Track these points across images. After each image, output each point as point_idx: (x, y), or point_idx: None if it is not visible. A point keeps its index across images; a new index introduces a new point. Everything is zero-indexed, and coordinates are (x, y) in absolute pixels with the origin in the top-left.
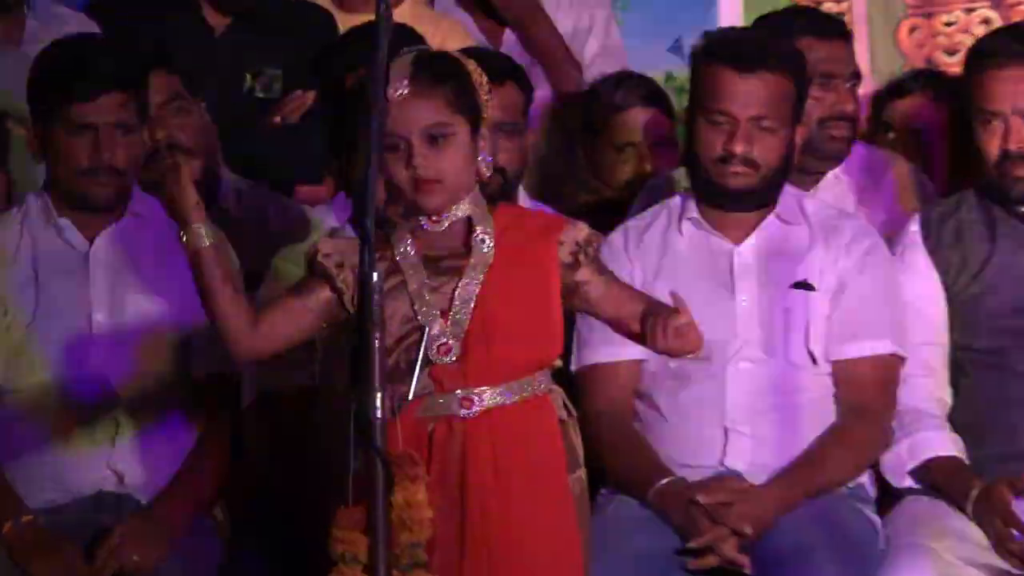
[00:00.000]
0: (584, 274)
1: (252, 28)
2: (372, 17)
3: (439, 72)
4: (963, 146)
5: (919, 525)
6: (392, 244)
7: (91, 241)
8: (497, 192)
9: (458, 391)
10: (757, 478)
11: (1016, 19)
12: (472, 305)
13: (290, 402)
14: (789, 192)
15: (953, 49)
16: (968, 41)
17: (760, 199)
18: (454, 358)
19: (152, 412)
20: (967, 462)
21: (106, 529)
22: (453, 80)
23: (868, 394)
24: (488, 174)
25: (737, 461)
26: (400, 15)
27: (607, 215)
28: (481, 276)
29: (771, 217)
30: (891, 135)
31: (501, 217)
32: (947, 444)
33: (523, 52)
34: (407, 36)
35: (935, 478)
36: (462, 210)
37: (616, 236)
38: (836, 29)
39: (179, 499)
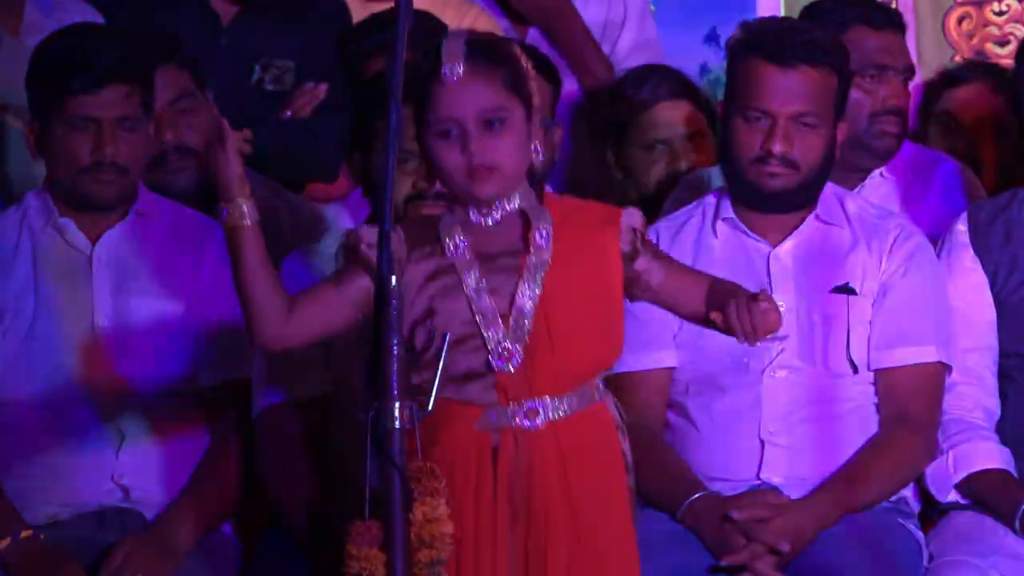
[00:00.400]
0: (643, 262)
1: (262, 17)
2: (391, 4)
3: (494, 54)
4: (1015, 142)
5: (965, 541)
6: (441, 239)
7: (94, 242)
8: None
9: (524, 401)
10: (794, 492)
11: None
12: (534, 308)
13: (303, 412)
14: (831, 191)
15: (1004, 40)
16: (1020, 31)
17: (800, 200)
18: (516, 366)
19: (159, 422)
20: (1016, 475)
21: (110, 547)
22: (507, 62)
23: (912, 404)
24: (539, 163)
25: (773, 474)
26: (421, 3)
27: None
28: (542, 275)
29: (811, 218)
30: (942, 126)
31: (554, 209)
32: (995, 456)
33: (549, 47)
34: (429, 24)
35: (982, 492)
36: (514, 202)
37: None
38: (891, 19)
39: (188, 515)
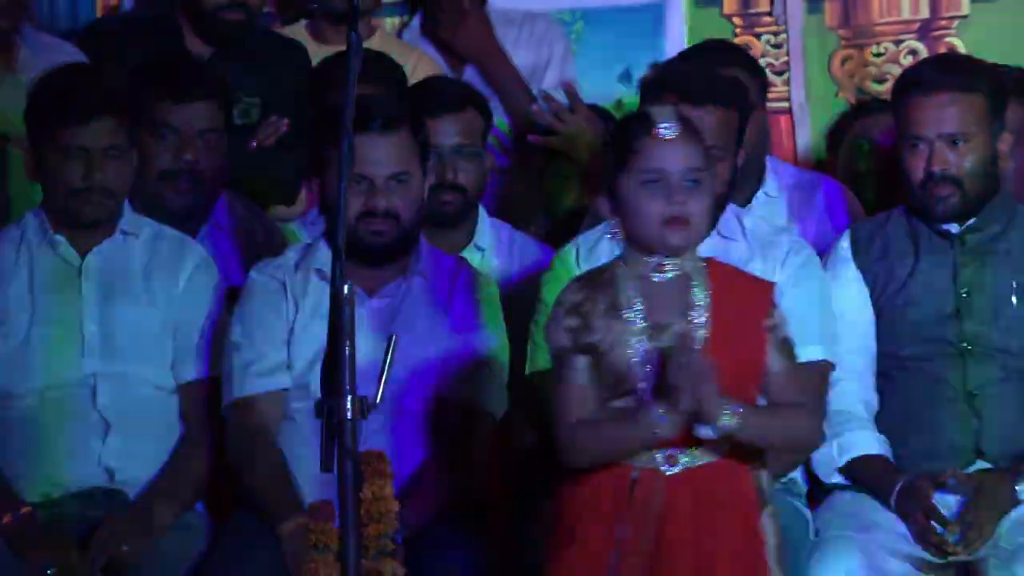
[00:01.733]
0: (772, 350)
1: (231, 58)
2: (342, 47)
3: (695, 126)
4: (892, 167)
5: (846, 518)
6: (613, 288)
7: (83, 256)
8: (457, 210)
9: (668, 450)
10: None
11: (941, 50)
12: None
13: (265, 405)
14: (730, 210)
15: (882, 78)
16: (896, 71)
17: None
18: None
19: (140, 413)
20: (891, 460)
21: (97, 523)
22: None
23: (800, 398)
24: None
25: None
26: (371, 46)
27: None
28: (700, 344)
29: (713, 237)
30: (854, 150)
31: (714, 275)
32: (873, 443)
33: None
34: (384, 63)
35: (862, 475)
36: (689, 263)
37: (569, 247)
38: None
39: (164, 495)
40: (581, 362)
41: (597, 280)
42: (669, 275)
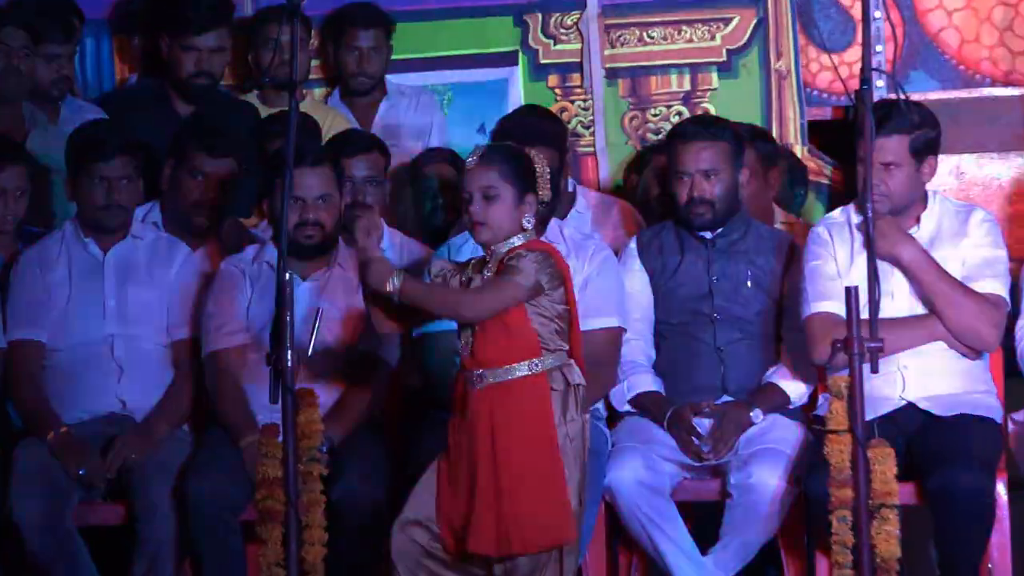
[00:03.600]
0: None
1: (205, 116)
2: (285, 108)
3: (491, 157)
4: (666, 192)
5: (633, 434)
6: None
7: (105, 252)
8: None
9: (477, 371)
10: None
11: (698, 112)
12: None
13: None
14: (553, 221)
15: (658, 131)
16: (667, 126)
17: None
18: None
19: (144, 363)
20: (664, 395)
21: (113, 437)
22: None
23: (601, 351)
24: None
25: None
26: (303, 107)
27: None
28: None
29: (542, 238)
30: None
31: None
32: (652, 383)
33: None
34: (308, 121)
35: (644, 405)
36: (501, 250)
37: (443, 247)
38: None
39: (161, 418)
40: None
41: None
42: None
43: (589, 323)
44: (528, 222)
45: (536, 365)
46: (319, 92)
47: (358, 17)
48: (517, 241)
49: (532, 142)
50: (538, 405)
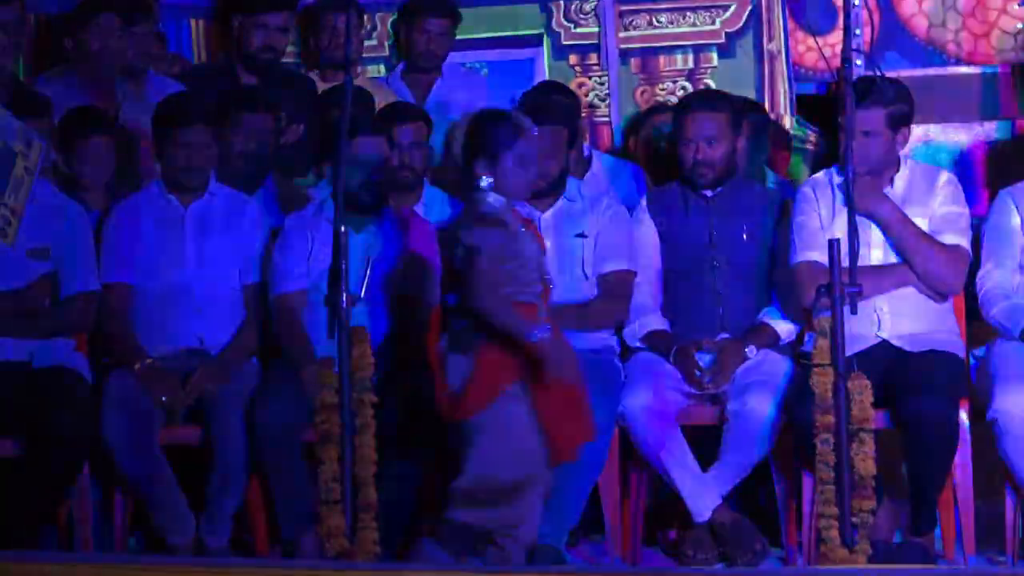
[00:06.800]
0: None
1: (271, 87)
2: (340, 83)
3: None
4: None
5: (644, 366)
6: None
7: (186, 207)
8: (411, 181)
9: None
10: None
11: (701, 87)
12: None
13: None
14: (573, 180)
15: (665, 104)
16: (674, 99)
17: (549, 192)
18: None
19: (219, 303)
20: (670, 332)
21: (192, 369)
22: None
23: (615, 290)
24: None
25: None
26: (357, 82)
27: None
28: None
29: (561, 198)
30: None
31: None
32: (659, 322)
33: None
34: (364, 96)
35: (652, 342)
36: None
37: None
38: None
39: (233, 353)
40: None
41: None
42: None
43: (604, 267)
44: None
45: None
46: (372, 69)
47: (433, 6)
48: None
49: (546, 114)
50: None
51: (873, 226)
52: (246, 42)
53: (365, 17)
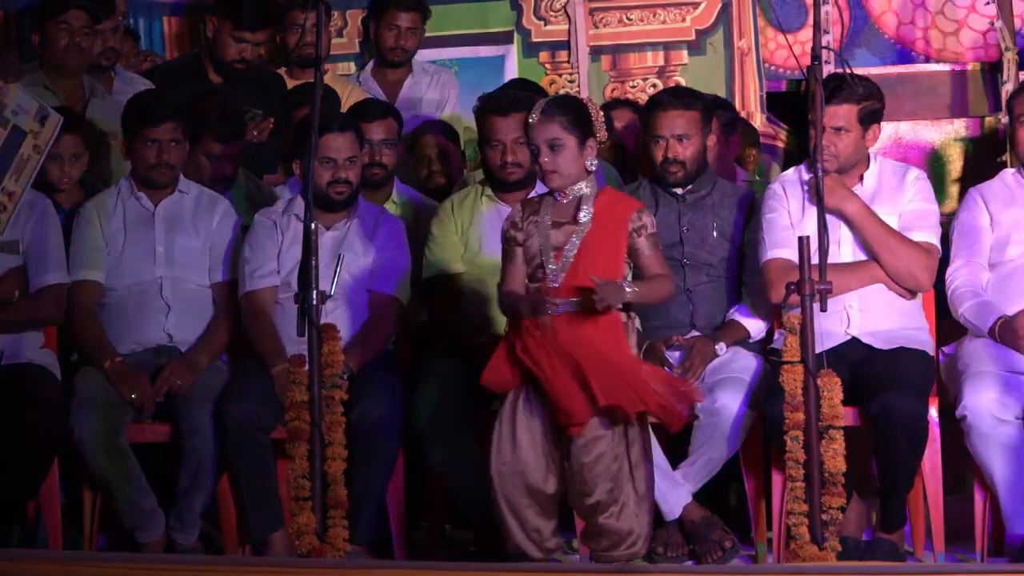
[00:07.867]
0: (640, 241)
1: (239, 85)
2: (310, 80)
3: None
4: (643, 153)
5: None
6: (540, 206)
7: (156, 205)
8: (381, 178)
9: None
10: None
11: (671, 84)
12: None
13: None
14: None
15: (635, 102)
16: (644, 96)
17: (524, 185)
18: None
19: (188, 301)
20: (640, 329)
21: (162, 366)
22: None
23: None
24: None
25: None
26: (327, 80)
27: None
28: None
29: (536, 190)
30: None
31: (600, 197)
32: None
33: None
34: (330, 94)
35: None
36: (582, 190)
37: (447, 201)
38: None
39: (203, 350)
40: (518, 252)
41: (528, 204)
42: (568, 200)
43: None
44: (592, 165)
45: None
46: (343, 67)
47: (401, 1)
48: (586, 185)
49: (508, 110)
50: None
51: (842, 223)
52: (220, 49)
53: (335, 14)
